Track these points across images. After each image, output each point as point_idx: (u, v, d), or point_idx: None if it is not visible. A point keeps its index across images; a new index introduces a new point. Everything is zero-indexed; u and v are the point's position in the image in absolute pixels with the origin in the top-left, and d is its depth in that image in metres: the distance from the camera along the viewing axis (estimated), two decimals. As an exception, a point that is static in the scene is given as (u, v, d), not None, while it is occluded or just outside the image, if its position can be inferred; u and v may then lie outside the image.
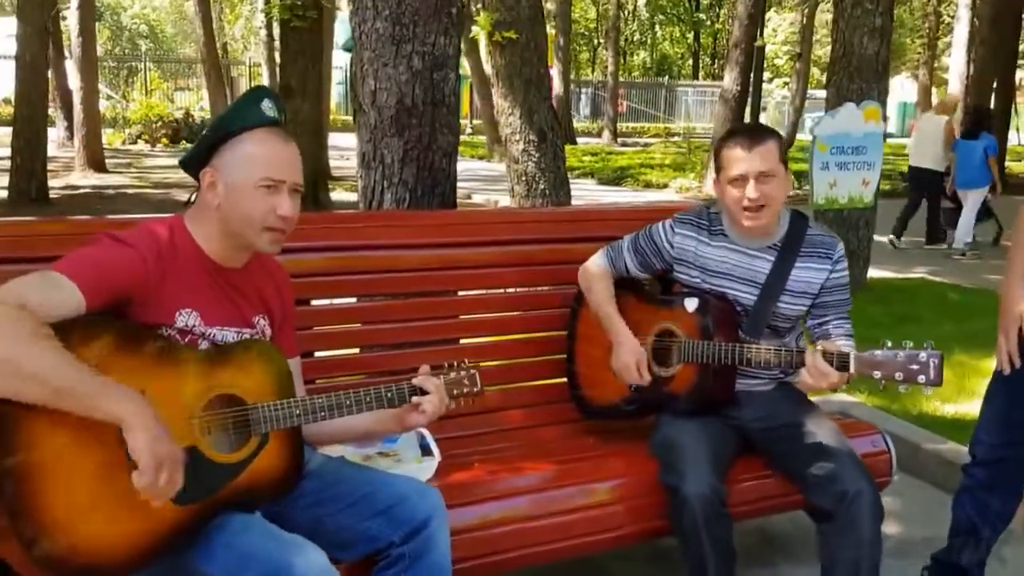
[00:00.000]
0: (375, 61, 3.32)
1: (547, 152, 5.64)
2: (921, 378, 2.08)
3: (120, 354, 1.67)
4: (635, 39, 41.64)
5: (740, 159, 2.40)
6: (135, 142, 21.55)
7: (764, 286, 2.49)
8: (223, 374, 1.80)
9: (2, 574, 1.74)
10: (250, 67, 30.90)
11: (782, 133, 23.48)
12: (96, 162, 15.00)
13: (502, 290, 3.09)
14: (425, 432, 2.49)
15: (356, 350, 2.88)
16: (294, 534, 1.78)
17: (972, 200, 9.18)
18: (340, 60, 25.61)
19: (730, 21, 37.68)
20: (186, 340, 1.81)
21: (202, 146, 1.90)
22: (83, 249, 1.74)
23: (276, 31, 24.99)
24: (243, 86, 29.82)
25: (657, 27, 42.39)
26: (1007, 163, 17.30)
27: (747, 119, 14.97)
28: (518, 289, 3.08)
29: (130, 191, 13.44)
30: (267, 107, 1.89)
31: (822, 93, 33.64)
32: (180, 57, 37.45)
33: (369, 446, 2.45)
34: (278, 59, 23.86)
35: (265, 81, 24.57)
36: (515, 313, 3.02)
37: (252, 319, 1.96)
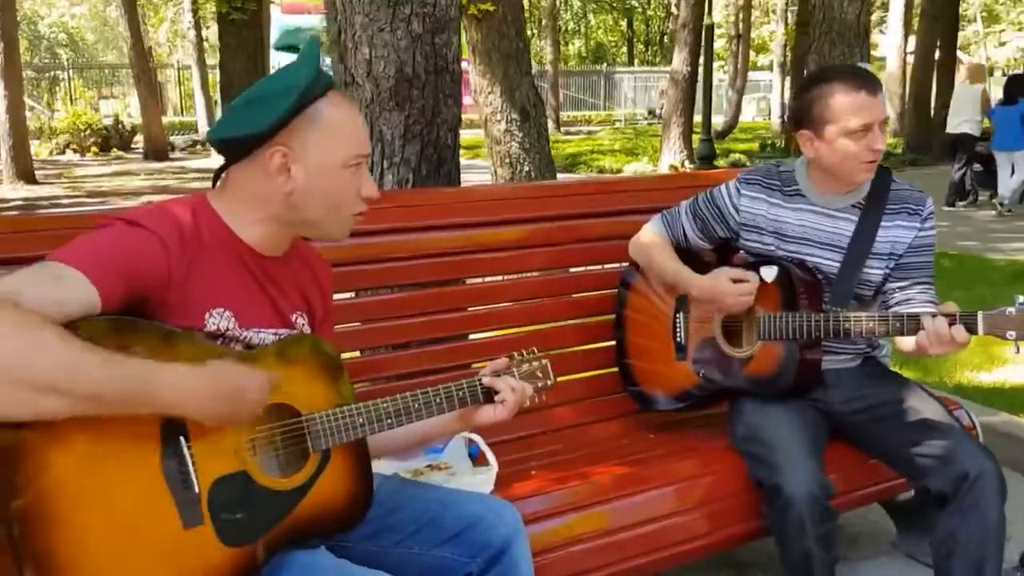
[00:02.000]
0: (369, 27, 2.95)
1: (531, 131, 5.31)
2: (1064, 336, 1.82)
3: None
4: (569, 28, 41.49)
5: (864, 107, 2.08)
6: (63, 152, 20.76)
7: (848, 250, 2.20)
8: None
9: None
10: (179, 70, 29.95)
11: (722, 117, 23.63)
12: (25, 174, 14.28)
13: (527, 274, 2.75)
14: (475, 436, 2.15)
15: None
16: (375, 570, 1.44)
17: (1016, 161, 9.79)
18: (273, 60, 25.04)
19: (664, 6, 37.86)
20: (219, 343, 1.44)
21: (274, 119, 1.44)
22: (90, 235, 1.36)
23: (206, 32, 24.65)
24: (171, 91, 28.92)
25: (590, 15, 42.31)
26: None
27: (699, 101, 14.89)
28: (546, 272, 2.75)
29: (64, 201, 12.77)
30: (325, 65, 1.54)
31: (759, 75, 34.18)
32: (103, 64, 36.18)
33: (413, 459, 2.11)
34: (209, 60, 23.51)
35: (196, 84, 23.82)
36: (546, 299, 2.68)
37: (291, 318, 1.59)
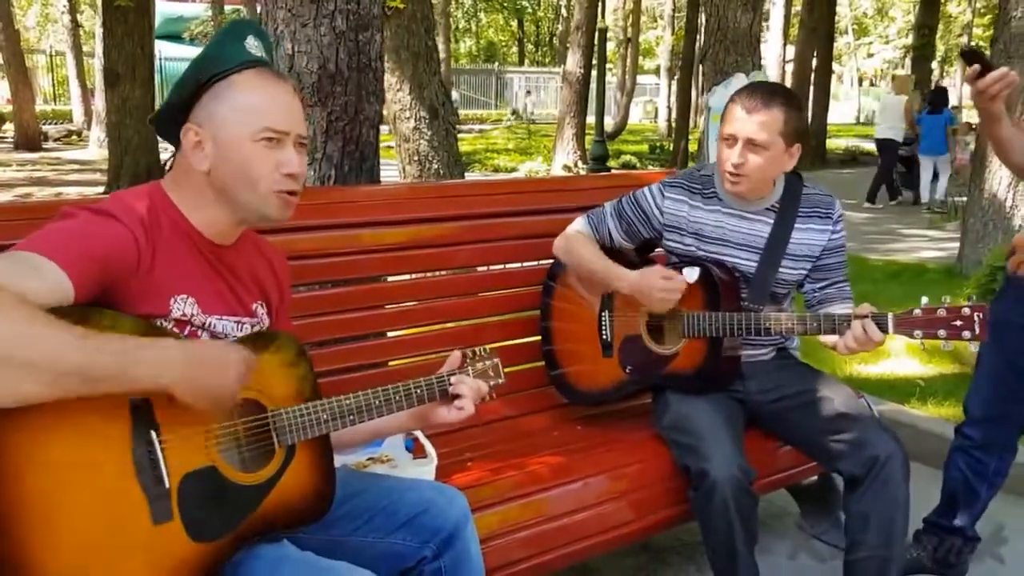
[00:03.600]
0: (292, 22, 2.94)
1: (439, 130, 5.33)
2: (966, 334, 1.98)
3: None
4: (460, 26, 41.52)
5: (737, 118, 2.22)
6: (-76, 140, 19.47)
7: (765, 251, 2.34)
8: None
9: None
10: (50, 56, 28.49)
11: (611, 119, 24.00)
12: None
13: (447, 272, 2.79)
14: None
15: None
16: (339, 561, 1.46)
17: (940, 164, 10.89)
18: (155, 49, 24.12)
19: (554, 8, 38.34)
20: (185, 333, 1.44)
21: (178, 97, 1.50)
22: (58, 225, 1.34)
23: (80, 17, 23.54)
24: (40, 76, 27.46)
25: (481, 14, 42.45)
26: (826, 140, 18.38)
27: (592, 102, 15.18)
28: (477, 268, 2.81)
29: (-69, 193, 11.99)
30: (252, 45, 1.53)
31: (646, 79, 34.86)
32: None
33: (352, 452, 2.12)
34: (87, 47, 22.46)
35: (71, 70, 22.76)
36: (479, 295, 2.74)
37: (251, 306, 1.60)
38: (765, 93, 2.24)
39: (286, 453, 1.49)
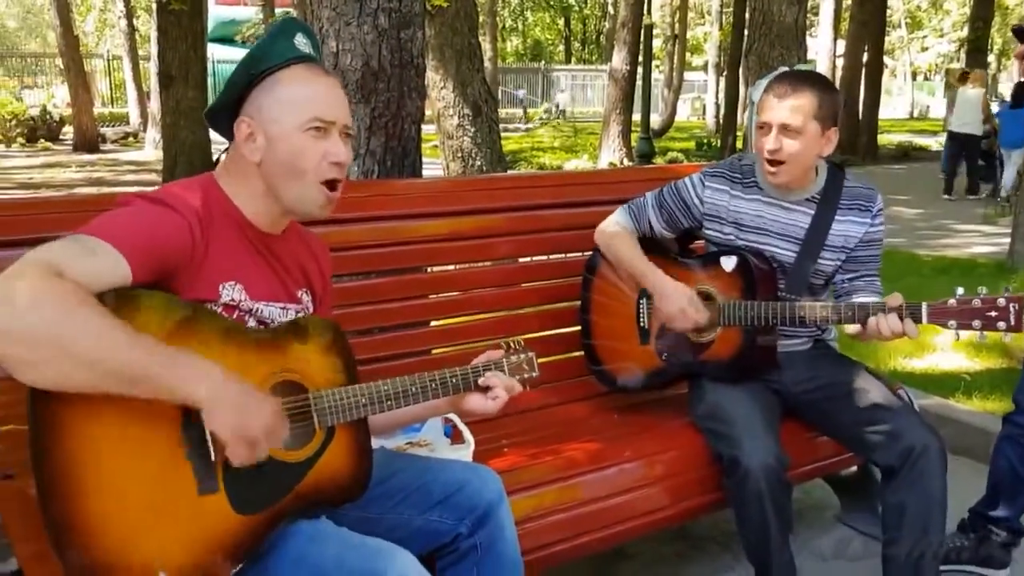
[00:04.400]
0: (336, 20, 3.01)
1: (482, 126, 5.40)
2: (1001, 324, 1.98)
3: (170, 336, 1.36)
4: (507, 25, 41.63)
5: (769, 106, 2.25)
6: (-13, 142, 20.08)
7: (804, 241, 2.35)
8: (285, 357, 1.52)
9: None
10: (108, 60, 29.21)
11: (658, 116, 23.90)
12: (-51, 164, 13.82)
13: (492, 262, 2.84)
14: (451, 416, 2.24)
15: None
16: (375, 538, 1.52)
17: (1015, 157, 10.76)
18: (208, 52, 24.59)
19: (600, 6, 38.21)
20: (233, 317, 1.51)
21: (231, 92, 1.58)
22: (116, 212, 1.42)
23: (137, 22, 24.09)
24: (99, 81, 28.15)
25: (528, 13, 42.50)
26: (878, 135, 18.09)
27: (638, 100, 15.14)
28: (516, 260, 2.85)
29: (-6, 193, 12.40)
30: (301, 42, 1.60)
31: (694, 75, 34.65)
32: (27, 53, 35.08)
33: (392, 437, 2.19)
34: (143, 50, 22.98)
35: (127, 73, 23.32)
36: (517, 287, 2.79)
37: (296, 293, 1.68)
38: (795, 79, 2.27)
39: (326, 434, 1.56)
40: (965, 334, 2.06)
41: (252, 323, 1.55)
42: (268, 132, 1.55)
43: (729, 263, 2.33)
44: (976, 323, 2.00)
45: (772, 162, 2.27)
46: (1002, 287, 2.03)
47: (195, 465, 1.37)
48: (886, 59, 23.39)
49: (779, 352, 2.40)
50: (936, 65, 40.42)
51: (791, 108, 2.22)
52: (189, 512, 1.37)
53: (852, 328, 2.18)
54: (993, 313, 1.99)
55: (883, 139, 19.34)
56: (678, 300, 2.33)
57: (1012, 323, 1.98)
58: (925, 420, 2.24)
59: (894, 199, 11.64)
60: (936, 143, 19.10)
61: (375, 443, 1.97)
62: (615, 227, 2.50)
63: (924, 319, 2.06)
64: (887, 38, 20.31)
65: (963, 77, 13.35)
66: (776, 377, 2.40)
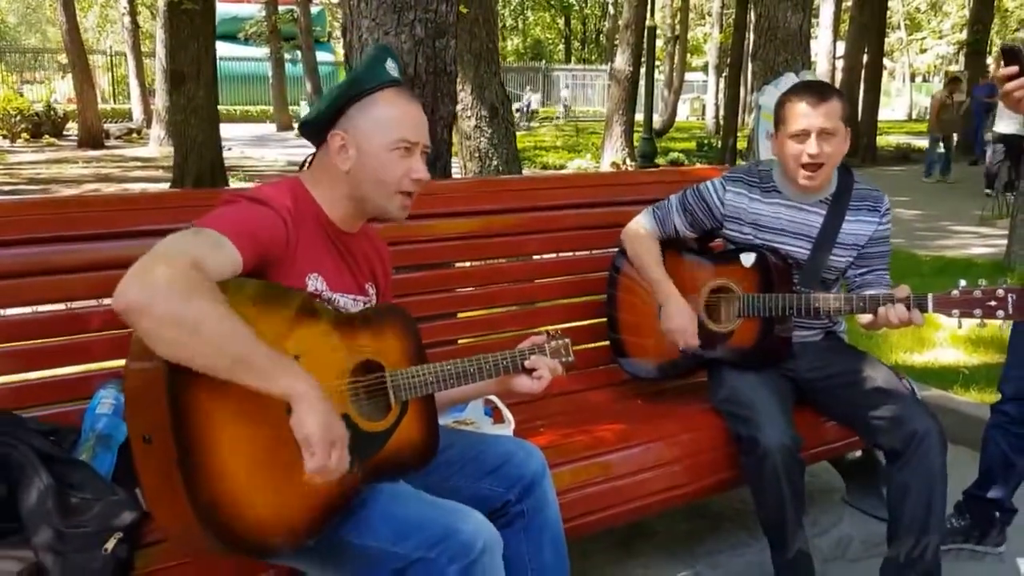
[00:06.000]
0: (375, 30, 3.20)
1: (499, 127, 5.59)
2: (1000, 313, 2.17)
3: (269, 316, 1.55)
4: (507, 24, 41.80)
5: (804, 114, 2.42)
6: (-8, 138, 20.25)
7: (817, 239, 2.54)
8: (364, 339, 1.71)
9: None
10: (110, 56, 29.38)
11: (659, 116, 24.04)
12: (-42, 159, 13.95)
13: (530, 257, 3.06)
14: (492, 397, 2.44)
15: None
16: (445, 500, 1.71)
17: None
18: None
19: (601, 5, 38.41)
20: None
21: (332, 108, 1.77)
22: (225, 208, 1.62)
23: (139, 18, 24.23)
24: (99, 77, 28.29)
25: (528, 12, 42.68)
26: (876, 137, 18.28)
27: (640, 99, 15.33)
28: (547, 255, 3.06)
29: (5, 188, 12.55)
30: (391, 67, 1.81)
31: (694, 76, 34.63)
32: (29, 48, 35.19)
33: (440, 416, 2.38)
34: (144, 47, 23.16)
35: (131, 70, 23.48)
36: (546, 280, 2.99)
37: (364, 286, 1.88)
38: (820, 87, 2.48)
39: (400, 408, 1.75)
40: (967, 325, 2.23)
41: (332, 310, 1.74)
42: (360, 146, 1.75)
43: (748, 259, 2.53)
44: (977, 312, 2.19)
45: (812, 166, 2.45)
46: (999, 280, 2.21)
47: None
48: (885, 60, 23.58)
49: (793, 342, 2.59)
50: (935, 67, 40.66)
51: (826, 113, 2.42)
52: (297, 474, 1.52)
53: (865, 318, 2.36)
54: (992, 303, 2.18)
55: (882, 140, 19.57)
56: (680, 318, 2.55)
57: (1010, 312, 2.16)
58: (926, 406, 2.43)
59: (893, 200, 11.84)
60: (934, 145, 19.30)
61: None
62: (640, 230, 2.70)
63: (930, 308, 2.24)
64: (886, 40, 20.50)
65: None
66: (790, 365, 2.59)
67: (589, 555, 2.69)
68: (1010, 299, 2.16)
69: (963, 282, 2.23)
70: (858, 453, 2.99)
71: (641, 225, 2.71)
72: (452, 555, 1.58)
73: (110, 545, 1.63)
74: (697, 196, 2.65)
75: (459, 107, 5.62)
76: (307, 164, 1.85)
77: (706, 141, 19.80)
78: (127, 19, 22.64)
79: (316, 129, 1.80)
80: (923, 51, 39.28)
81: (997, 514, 2.73)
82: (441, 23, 3.25)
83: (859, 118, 17.33)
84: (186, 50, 11.12)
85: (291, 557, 1.66)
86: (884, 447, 2.43)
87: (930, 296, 2.24)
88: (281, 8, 24.67)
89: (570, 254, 3.13)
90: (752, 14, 6.93)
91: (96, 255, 2.12)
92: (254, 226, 1.59)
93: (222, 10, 25.68)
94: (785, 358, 2.57)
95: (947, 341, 4.58)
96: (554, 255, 3.07)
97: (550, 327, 2.13)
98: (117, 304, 1.37)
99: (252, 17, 25.88)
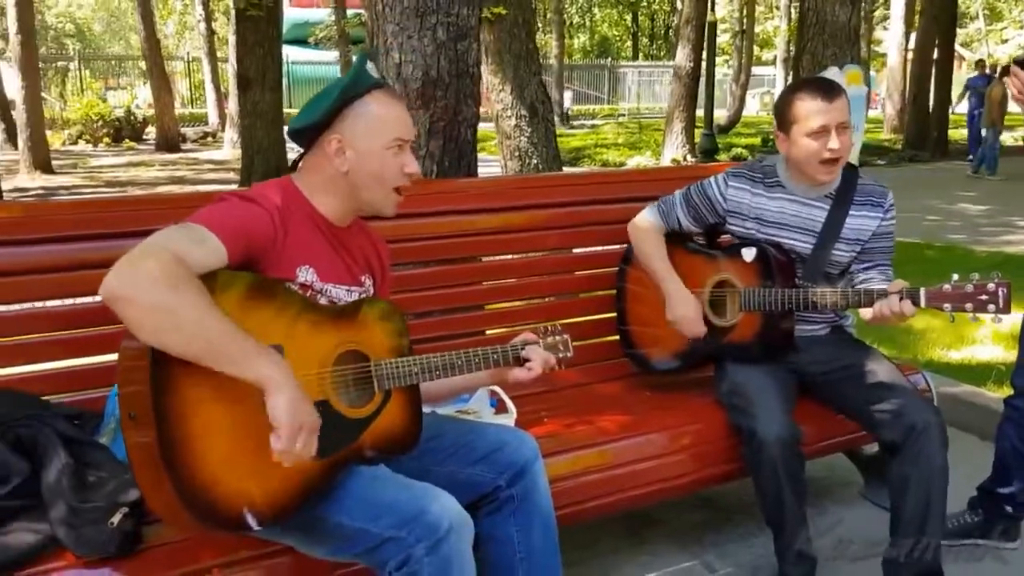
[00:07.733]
0: (399, 34, 3.32)
1: (539, 127, 5.68)
2: (991, 307, 2.17)
3: (256, 306, 1.67)
4: (574, 22, 41.77)
5: (821, 111, 2.43)
6: (75, 142, 21.14)
7: (820, 234, 2.56)
8: (350, 329, 1.82)
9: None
10: (188, 62, 30.30)
11: (725, 111, 23.74)
12: (42, 163, 14.64)
13: (543, 253, 3.15)
14: (496, 388, 2.53)
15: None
16: (422, 482, 1.81)
17: None
18: (283, 53, 25.34)
19: (669, 1, 38.09)
20: (307, 296, 1.82)
21: (325, 115, 1.87)
22: (214, 206, 1.74)
23: (215, 24, 24.99)
24: (178, 82, 29.20)
25: (595, 9, 42.57)
26: (948, 131, 17.77)
27: (701, 96, 15.23)
28: (571, 250, 3.15)
29: (85, 191, 13.14)
30: (371, 68, 1.91)
31: (763, 70, 34.12)
32: (112, 56, 36.53)
33: (444, 405, 2.48)
34: (220, 52, 23.85)
35: (206, 75, 24.20)
36: (560, 275, 3.07)
37: (360, 277, 1.99)
38: (827, 83, 2.50)
39: (383, 397, 1.86)
40: (977, 317, 2.22)
41: (323, 302, 1.86)
42: (358, 148, 1.86)
43: (749, 254, 2.57)
44: (968, 306, 2.20)
45: (833, 161, 2.47)
46: (991, 274, 2.21)
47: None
48: (963, 51, 22.88)
49: (798, 336, 2.62)
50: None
51: (841, 107, 2.45)
52: (272, 454, 1.66)
53: (866, 313, 2.39)
54: (984, 297, 2.18)
55: (954, 134, 19.00)
56: (682, 308, 2.62)
57: (1000, 306, 2.17)
58: (929, 401, 2.43)
59: (960, 196, 11.56)
60: (1012, 139, 18.66)
61: (427, 409, 2.28)
62: (645, 223, 2.76)
63: (922, 302, 2.26)
64: (964, 31, 19.93)
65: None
66: (795, 359, 2.62)
67: (597, 543, 2.76)
68: (1001, 293, 2.16)
69: (956, 276, 2.24)
70: (875, 448, 2.99)
71: (645, 218, 2.77)
72: (420, 534, 1.68)
73: (116, 519, 1.77)
74: (700, 191, 2.69)
75: (500, 107, 5.75)
76: (296, 166, 1.96)
77: (771, 136, 19.48)
78: (202, 25, 23.35)
79: (308, 135, 1.90)
80: (1003, 41, 37.91)
81: (1010, 509, 2.71)
82: (463, 26, 3.35)
83: (929, 111, 16.89)
84: (252, 56, 11.49)
85: (272, 533, 1.77)
86: (884, 440, 2.45)
87: (922, 290, 2.26)
88: (349, 12, 25.13)
89: (591, 249, 3.20)
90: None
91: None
92: (241, 221, 1.71)
93: (293, 15, 26.39)
94: (787, 351, 2.60)
95: (988, 338, 4.51)
96: (583, 249, 3.15)
97: (549, 323, 2.21)
98: (104, 293, 1.50)
99: (321, 21, 26.39)
